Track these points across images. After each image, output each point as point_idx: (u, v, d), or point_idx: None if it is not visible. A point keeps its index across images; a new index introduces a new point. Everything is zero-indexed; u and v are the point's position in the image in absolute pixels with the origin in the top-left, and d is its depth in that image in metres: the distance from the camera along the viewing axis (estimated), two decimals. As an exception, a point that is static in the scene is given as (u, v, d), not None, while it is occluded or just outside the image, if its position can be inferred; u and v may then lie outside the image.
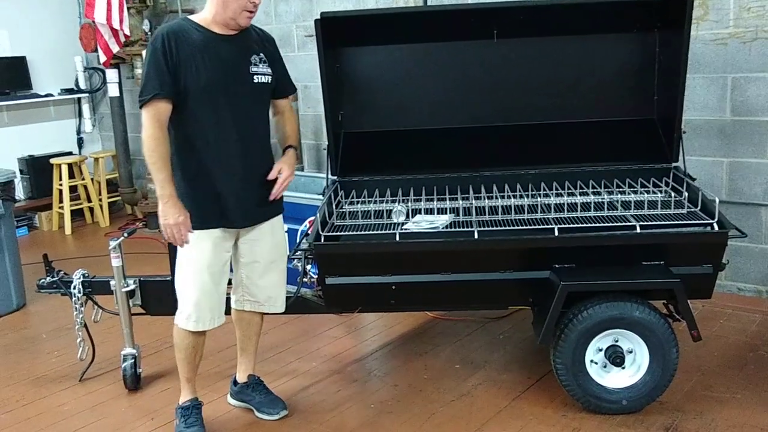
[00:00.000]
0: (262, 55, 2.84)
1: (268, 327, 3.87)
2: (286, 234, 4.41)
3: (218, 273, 2.85)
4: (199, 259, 2.80)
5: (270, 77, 2.85)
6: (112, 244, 3.34)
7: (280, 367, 3.60)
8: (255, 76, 2.80)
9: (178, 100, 2.68)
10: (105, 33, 6.05)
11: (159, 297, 3.48)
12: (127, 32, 6.14)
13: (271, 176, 2.87)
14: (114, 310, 3.46)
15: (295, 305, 3.29)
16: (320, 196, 3.63)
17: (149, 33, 6.34)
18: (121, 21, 6.01)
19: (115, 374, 3.53)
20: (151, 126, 2.64)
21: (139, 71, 6.39)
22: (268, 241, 2.98)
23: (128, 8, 6.19)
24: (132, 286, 3.43)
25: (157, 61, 2.65)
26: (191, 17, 2.79)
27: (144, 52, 6.11)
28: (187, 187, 2.75)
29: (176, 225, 2.67)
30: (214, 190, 2.77)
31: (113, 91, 6.60)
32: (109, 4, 5.94)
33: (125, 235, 3.46)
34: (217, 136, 2.74)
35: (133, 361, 3.43)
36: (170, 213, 2.67)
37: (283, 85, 2.99)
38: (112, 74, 6.52)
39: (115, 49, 6.20)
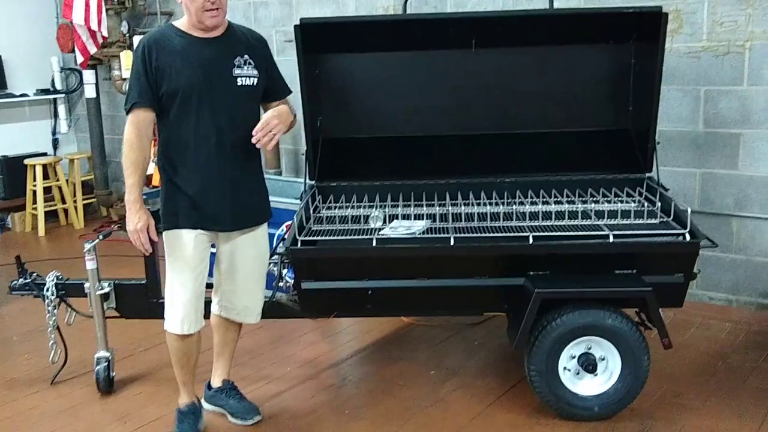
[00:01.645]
0: (247, 56, 2.81)
1: (243, 331, 3.85)
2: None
3: (201, 273, 2.86)
4: (182, 260, 2.81)
5: (256, 79, 2.82)
6: (88, 246, 3.31)
7: (254, 372, 3.59)
8: (239, 79, 2.78)
9: (160, 106, 2.72)
10: (83, 34, 5.99)
11: (134, 300, 3.46)
12: (105, 33, 6.10)
13: (255, 129, 2.71)
14: (88, 313, 3.43)
15: (270, 309, 3.28)
16: (297, 201, 3.63)
17: (127, 34, 6.29)
18: (99, 22, 5.95)
19: (88, 378, 3.49)
20: (129, 131, 2.71)
21: (116, 73, 6.35)
22: (250, 251, 2.96)
23: (106, 9, 6.14)
24: (107, 289, 3.40)
25: (138, 70, 2.70)
26: (175, 23, 2.80)
27: (122, 54, 6.14)
28: (171, 188, 2.79)
29: (135, 231, 2.71)
30: (195, 192, 2.77)
31: (90, 92, 6.54)
32: (87, 5, 5.89)
33: (101, 237, 3.44)
34: (198, 139, 2.75)
35: (106, 364, 3.40)
36: (131, 219, 2.72)
37: (275, 88, 2.94)
38: (89, 75, 6.47)
39: (92, 50, 6.14)
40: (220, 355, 3.19)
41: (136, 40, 6.20)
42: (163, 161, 2.82)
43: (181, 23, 2.79)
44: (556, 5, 3.77)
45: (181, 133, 2.76)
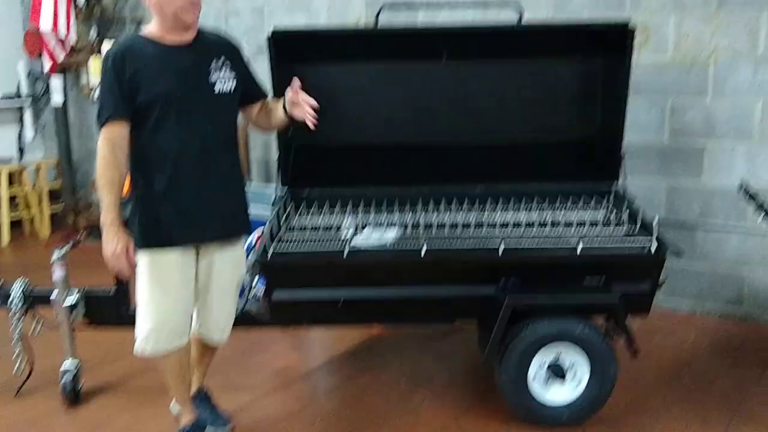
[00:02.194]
0: (223, 58, 2.75)
1: (213, 341, 3.84)
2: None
3: (179, 293, 2.76)
4: (159, 278, 2.72)
5: (233, 83, 2.76)
6: (57, 253, 3.26)
7: (225, 381, 3.56)
8: (216, 84, 2.72)
9: (135, 118, 2.63)
10: (51, 40, 5.93)
11: (103, 309, 3.41)
12: (74, 40, 6.03)
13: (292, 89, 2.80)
14: (56, 322, 3.38)
15: (241, 319, 3.27)
16: (269, 208, 3.62)
17: (96, 41, 6.23)
18: (68, 29, 5.90)
19: (55, 389, 3.43)
20: (103, 147, 2.59)
21: (85, 79, 6.28)
22: (226, 269, 2.89)
23: (75, 16, 6.08)
24: (75, 298, 3.36)
25: (110, 82, 2.59)
26: (143, 32, 2.73)
27: (90, 60, 6.08)
28: (151, 203, 2.68)
29: (113, 255, 2.57)
30: (183, 203, 2.69)
31: (57, 98, 6.46)
32: (55, 11, 5.83)
33: (70, 245, 3.39)
34: (177, 149, 2.67)
35: (73, 375, 3.36)
36: (110, 242, 2.57)
37: (252, 91, 2.91)
38: (56, 82, 6.39)
39: (61, 57, 6.08)
40: (199, 363, 3.14)
41: (106, 46, 6.16)
42: (139, 175, 2.69)
43: (150, 32, 2.70)
44: (526, 18, 3.82)
45: (161, 144, 2.66)
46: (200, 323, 2.98)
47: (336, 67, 3.70)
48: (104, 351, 3.83)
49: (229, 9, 5.83)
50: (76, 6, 6.21)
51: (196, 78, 2.70)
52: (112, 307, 3.43)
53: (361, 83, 3.72)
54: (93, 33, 6.27)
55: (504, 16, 3.97)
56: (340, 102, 3.72)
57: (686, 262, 4.20)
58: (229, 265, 2.89)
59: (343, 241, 3.15)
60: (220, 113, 2.77)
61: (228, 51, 2.81)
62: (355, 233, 3.27)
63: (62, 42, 6.00)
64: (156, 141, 2.67)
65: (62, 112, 6.52)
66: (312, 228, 3.33)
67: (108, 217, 2.58)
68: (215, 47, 2.78)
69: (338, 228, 3.32)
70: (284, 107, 2.87)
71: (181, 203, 2.70)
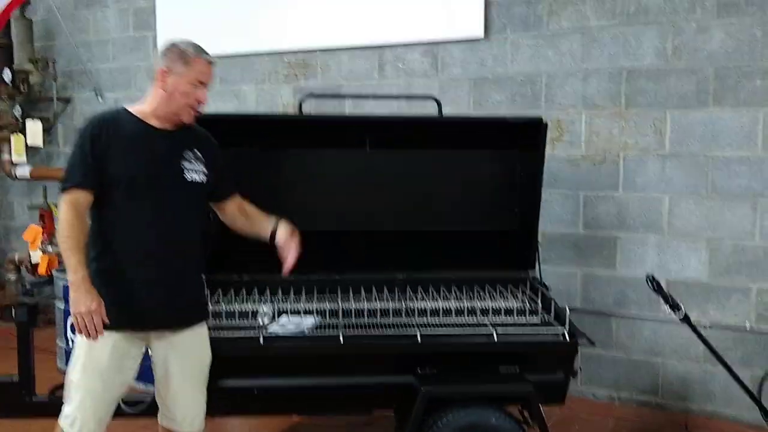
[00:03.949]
0: (197, 152, 2.75)
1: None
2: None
3: (111, 380, 2.65)
4: (93, 361, 2.62)
5: (205, 176, 2.76)
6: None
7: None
8: (186, 173, 2.70)
9: (101, 190, 2.58)
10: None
11: (7, 397, 3.25)
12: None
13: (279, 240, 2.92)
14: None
15: (152, 408, 3.15)
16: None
17: (20, 119, 6.14)
18: (-10, 105, 5.81)
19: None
20: (67, 211, 2.53)
21: (5, 156, 6.12)
22: (186, 356, 2.79)
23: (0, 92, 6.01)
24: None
25: (83, 149, 2.57)
26: (130, 107, 2.71)
27: (12, 138, 5.97)
28: (99, 281, 2.57)
29: (88, 313, 2.46)
30: (125, 286, 2.61)
31: (-24, 176, 6.29)
32: (-22, 87, 5.75)
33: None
34: (138, 232, 2.62)
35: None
36: (82, 300, 2.47)
37: (223, 187, 2.91)
38: (-24, 157, 6.23)
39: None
40: None
41: (30, 124, 6.07)
42: (91, 248, 2.62)
43: (137, 109, 2.69)
44: (447, 112, 3.97)
45: (121, 222, 2.62)
46: (165, 414, 2.85)
47: (260, 153, 3.72)
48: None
49: (159, 92, 5.85)
50: (4, 83, 6.15)
51: (170, 163, 2.68)
52: (16, 396, 3.27)
53: (285, 168, 3.75)
54: (17, 110, 6.18)
55: (427, 109, 4.11)
56: (263, 187, 3.70)
57: (603, 350, 4.29)
58: (189, 352, 2.80)
59: (259, 327, 3.11)
60: (187, 203, 2.74)
61: (205, 144, 2.82)
62: (272, 320, 3.23)
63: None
64: (116, 218, 2.62)
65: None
66: (227, 314, 3.27)
67: (78, 275, 2.49)
68: (194, 138, 2.79)
69: (255, 314, 3.27)
70: (272, 233, 2.96)
71: (127, 285, 2.62)
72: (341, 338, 2.97)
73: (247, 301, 3.43)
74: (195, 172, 2.73)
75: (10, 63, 6.27)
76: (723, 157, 3.99)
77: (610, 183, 4.26)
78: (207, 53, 2.70)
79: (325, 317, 3.24)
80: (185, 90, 2.64)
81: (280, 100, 5.27)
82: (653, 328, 4.23)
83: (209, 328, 2.96)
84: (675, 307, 3.20)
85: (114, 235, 2.63)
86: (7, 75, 6.13)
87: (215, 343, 2.99)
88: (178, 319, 2.76)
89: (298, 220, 3.69)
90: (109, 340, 2.60)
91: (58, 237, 2.58)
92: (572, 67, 4.31)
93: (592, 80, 4.26)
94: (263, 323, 3.19)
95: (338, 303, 3.36)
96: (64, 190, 2.57)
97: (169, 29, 5.67)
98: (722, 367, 3.29)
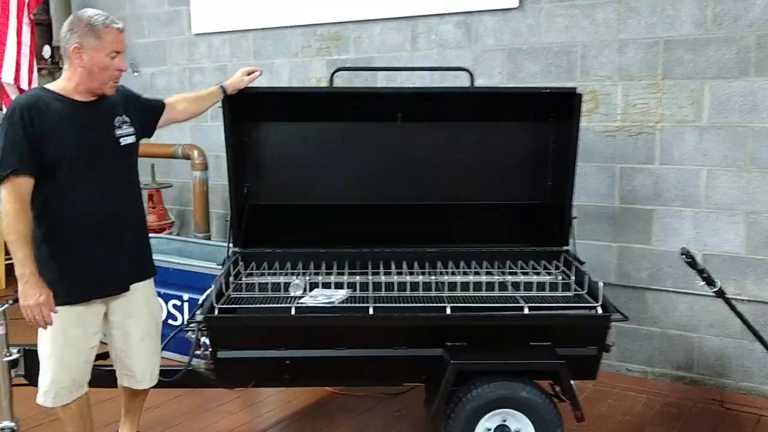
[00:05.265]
0: (124, 116, 2.85)
1: (161, 400, 3.76)
2: (186, 303, 4.36)
3: (80, 347, 2.79)
4: (60, 334, 2.72)
5: (134, 134, 2.88)
6: (-3, 309, 3.20)
7: (169, 443, 3.49)
8: (121, 139, 2.81)
9: (41, 173, 2.62)
10: (11, 92, 5.92)
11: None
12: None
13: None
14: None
15: (186, 378, 3.22)
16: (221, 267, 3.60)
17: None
18: (29, 82, 5.90)
19: (-10, 449, 3.33)
20: (10, 202, 2.56)
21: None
22: (141, 312, 2.95)
23: (39, 69, 6.10)
24: (15, 356, 3.28)
25: (15, 135, 2.57)
26: (49, 86, 2.76)
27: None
28: (53, 260, 2.67)
29: (37, 306, 2.56)
30: (80, 260, 2.72)
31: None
32: (18, 63, 5.84)
33: (11, 302, 3.33)
34: (86, 205, 2.71)
35: (10, 434, 3.26)
36: (30, 293, 2.56)
37: (152, 115, 3.04)
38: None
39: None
40: (128, 411, 3.17)
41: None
42: (39, 231, 2.67)
43: (58, 86, 2.73)
44: (479, 83, 3.92)
45: (67, 201, 2.68)
46: (125, 374, 2.99)
47: (292, 126, 3.74)
48: (43, 411, 3.71)
49: (193, 66, 5.89)
50: (43, 58, 6.24)
51: (104, 134, 2.77)
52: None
53: (316, 142, 3.76)
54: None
55: (459, 81, 4.07)
56: (294, 161, 3.75)
57: (637, 325, 4.24)
58: (144, 309, 2.95)
59: (291, 299, 3.14)
60: (127, 165, 2.88)
61: (126, 102, 2.90)
62: (303, 293, 3.26)
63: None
64: (62, 197, 2.67)
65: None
66: (260, 287, 3.31)
67: (25, 269, 2.56)
68: (118, 100, 2.86)
69: (287, 287, 3.30)
70: (222, 90, 3.25)
71: (81, 259, 2.72)
72: (371, 310, 2.98)
73: (280, 275, 3.46)
74: (127, 135, 2.84)
75: (49, 40, 6.36)
76: (763, 128, 3.88)
77: (646, 155, 4.18)
78: (115, 20, 2.70)
79: (356, 290, 3.26)
80: (104, 64, 2.67)
81: (313, 74, 5.25)
82: (689, 302, 4.17)
83: (242, 300, 3.02)
84: (709, 281, 3.14)
85: (60, 212, 2.68)
86: (47, 52, 6.23)
87: (247, 314, 3.04)
88: (130, 279, 2.90)
89: (328, 194, 3.75)
90: (72, 312, 2.73)
91: (3, 229, 2.58)
92: (608, 37, 4.21)
93: (628, 50, 4.16)
94: (296, 295, 3.22)
95: (369, 276, 3.37)
96: (2, 179, 2.57)
97: (202, 4, 5.69)
98: (759, 343, 3.23)
